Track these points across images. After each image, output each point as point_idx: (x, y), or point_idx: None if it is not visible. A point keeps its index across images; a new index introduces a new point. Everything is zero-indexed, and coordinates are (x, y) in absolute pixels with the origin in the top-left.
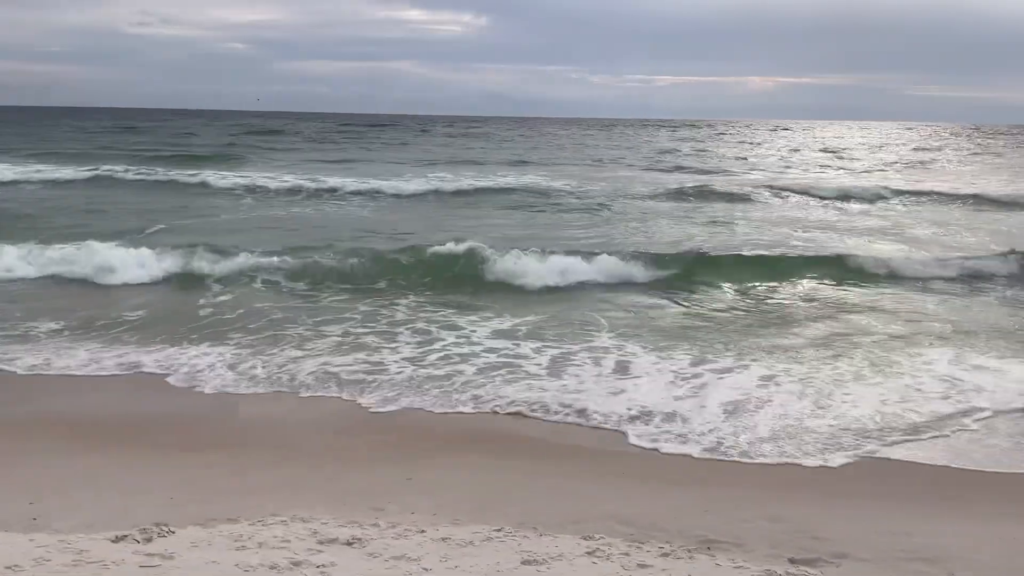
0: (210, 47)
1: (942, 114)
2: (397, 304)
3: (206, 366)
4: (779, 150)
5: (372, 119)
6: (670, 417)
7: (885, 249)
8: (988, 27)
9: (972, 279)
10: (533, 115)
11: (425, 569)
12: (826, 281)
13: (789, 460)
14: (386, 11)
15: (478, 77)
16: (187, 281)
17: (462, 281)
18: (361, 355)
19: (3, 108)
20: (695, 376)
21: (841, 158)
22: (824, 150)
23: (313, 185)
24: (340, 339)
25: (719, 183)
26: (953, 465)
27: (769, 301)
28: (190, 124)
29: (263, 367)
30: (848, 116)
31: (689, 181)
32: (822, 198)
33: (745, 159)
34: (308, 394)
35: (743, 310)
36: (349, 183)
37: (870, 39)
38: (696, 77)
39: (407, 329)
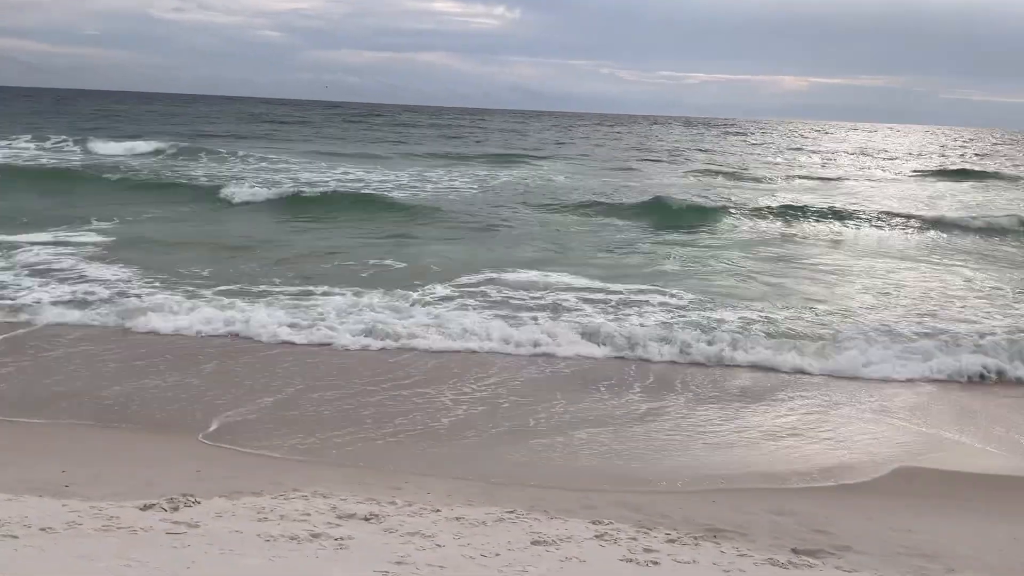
0: (244, 34)
1: (976, 119)
2: None
3: None
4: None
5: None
6: None
7: None
8: None
9: None
10: (564, 110)
11: (439, 545)
12: None
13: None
14: (418, 2)
15: (508, 71)
16: None
17: None
18: None
19: (36, 89)
20: None
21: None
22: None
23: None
24: None
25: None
26: (960, 469)
27: None
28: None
29: None
30: (881, 119)
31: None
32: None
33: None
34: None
35: None
36: None
37: (904, 41)
38: (728, 75)
39: None
